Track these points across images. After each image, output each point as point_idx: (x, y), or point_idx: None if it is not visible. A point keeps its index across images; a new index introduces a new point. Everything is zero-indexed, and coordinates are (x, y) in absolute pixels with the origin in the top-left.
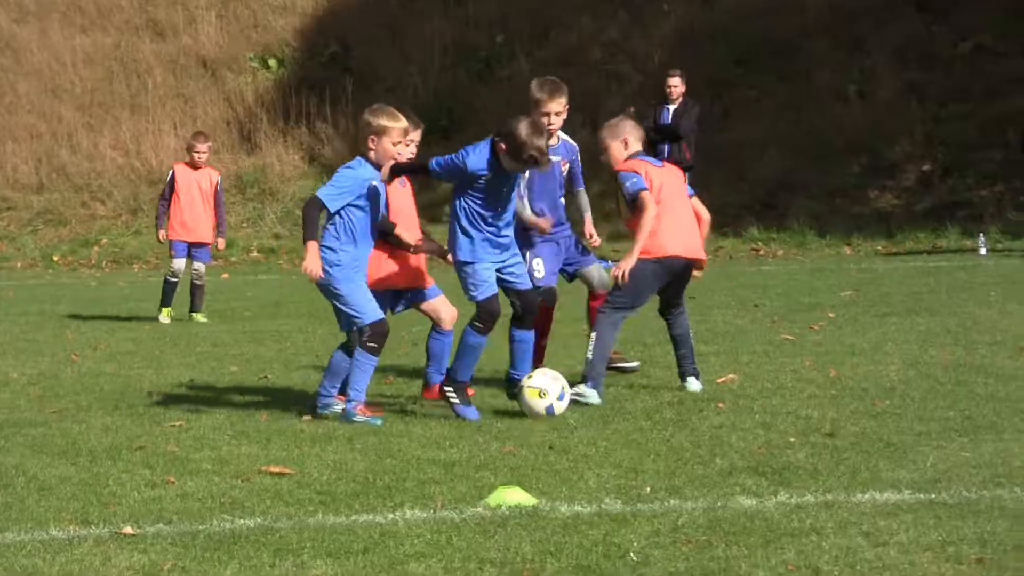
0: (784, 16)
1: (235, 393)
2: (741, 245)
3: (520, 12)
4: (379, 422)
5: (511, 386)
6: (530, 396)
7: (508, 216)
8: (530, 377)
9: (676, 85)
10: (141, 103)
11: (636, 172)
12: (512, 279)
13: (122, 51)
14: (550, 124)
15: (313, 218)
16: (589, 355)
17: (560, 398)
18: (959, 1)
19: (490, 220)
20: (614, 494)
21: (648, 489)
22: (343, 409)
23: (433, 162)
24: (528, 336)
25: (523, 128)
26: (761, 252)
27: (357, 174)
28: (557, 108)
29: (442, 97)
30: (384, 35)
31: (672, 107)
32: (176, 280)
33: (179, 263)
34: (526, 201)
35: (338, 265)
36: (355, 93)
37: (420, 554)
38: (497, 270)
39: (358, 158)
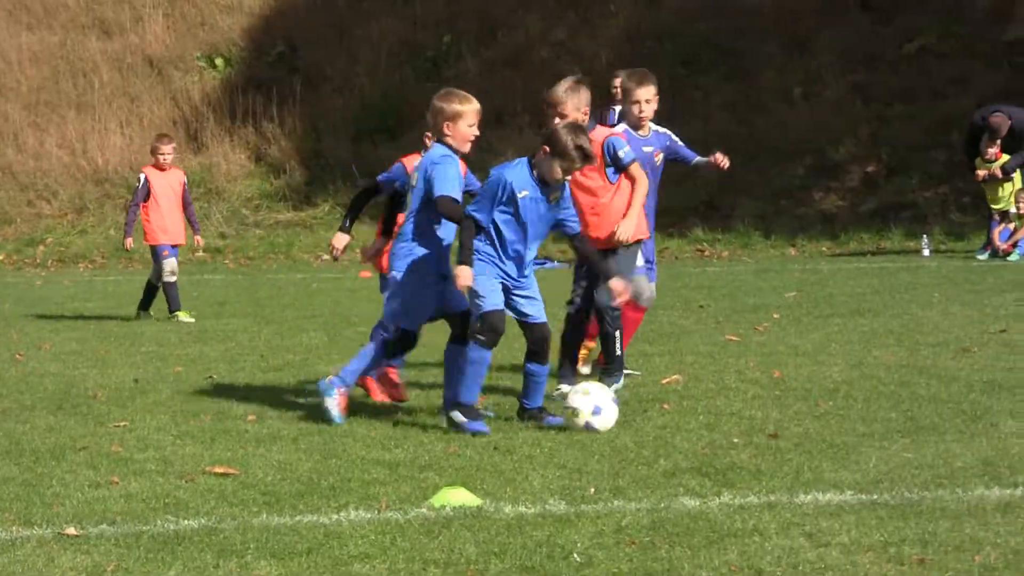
0: (730, 17)
1: (180, 393)
2: (686, 246)
3: (467, 12)
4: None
5: (522, 412)
6: (566, 418)
7: (533, 248)
8: (565, 397)
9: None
10: (87, 102)
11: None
12: (523, 309)
13: (68, 50)
14: (640, 113)
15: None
16: (619, 351)
17: (596, 412)
18: (903, 3)
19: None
20: (558, 495)
21: (592, 490)
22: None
23: (471, 209)
24: (542, 371)
25: (563, 128)
26: (706, 253)
27: (457, 169)
28: (647, 96)
29: (389, 97)
30: (331, 35)
31: (618, 108)
32: (175, 278)
33: (172, 262)
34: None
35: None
36: (302, 93)
37: (364, 555)
38: (508, 291)
39: (443, 151)
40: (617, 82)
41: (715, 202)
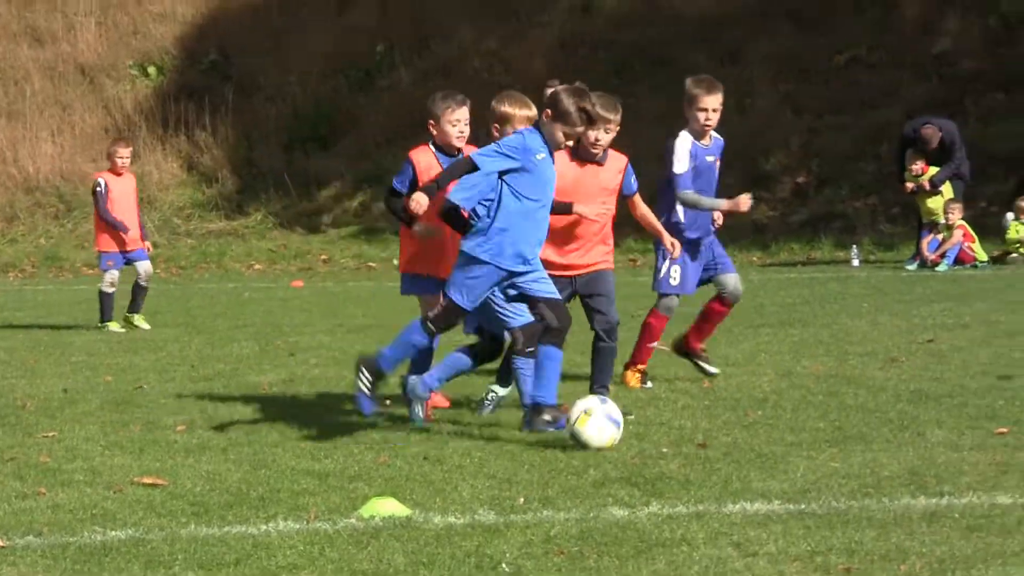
0: (662, 26)
1: (109, 403)
2: (619, 256)
3: (401, 21)
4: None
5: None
6: (584, 427)
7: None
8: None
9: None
10: (18, 110)
11: None
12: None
13: None
14: (707, 120)
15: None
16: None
17: (603, 401)
18: (833, 14)
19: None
20: (487, 505)
21: (521, 500)
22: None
23: (475, 155)
24: (558, 354)
25: (564, 91)
26: (638, 263)
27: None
28: (714, 105)
29: (322, 106)
30: (265, 43)
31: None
32: (114, 290)
33: (117, 273)
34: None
35: None
36: (235, 101)
37: (293, 565)
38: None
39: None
40: (549, 91)
41: None
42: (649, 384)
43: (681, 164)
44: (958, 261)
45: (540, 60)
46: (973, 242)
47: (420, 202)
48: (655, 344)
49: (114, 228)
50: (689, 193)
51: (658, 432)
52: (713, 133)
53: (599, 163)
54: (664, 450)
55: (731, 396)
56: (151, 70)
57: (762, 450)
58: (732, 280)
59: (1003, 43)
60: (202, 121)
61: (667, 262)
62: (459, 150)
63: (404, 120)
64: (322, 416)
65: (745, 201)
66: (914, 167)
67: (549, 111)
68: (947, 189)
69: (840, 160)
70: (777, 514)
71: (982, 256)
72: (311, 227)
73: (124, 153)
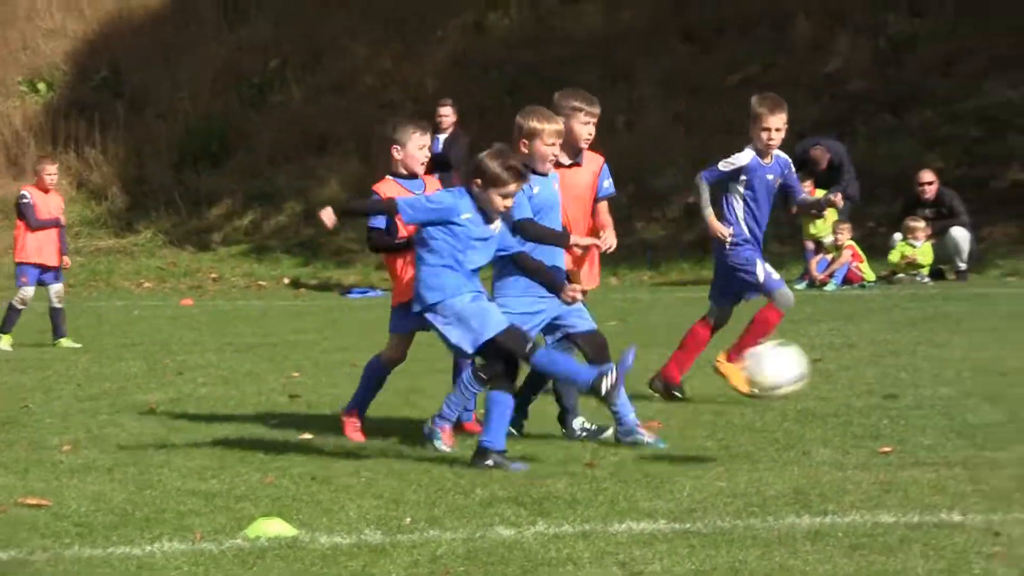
0: (554, 46)
1: None
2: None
3: (293, 38)
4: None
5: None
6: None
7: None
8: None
9: (447, 115)
10: None
11: None
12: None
13: None
14: (770, 140)
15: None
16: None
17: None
18: (726, 34)
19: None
20: (374, 525)
21: (408, 520)
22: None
23: (402, 201)
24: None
25: (487, 157)
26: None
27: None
28: (778, 124)
29: (213, 122)
30: (156, 59)
31: (443, 136)
32: (24, 308)
33: (31, 291)
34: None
35: None
36: (125, 118)
37: None
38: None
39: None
40: (442, 111)
41: None
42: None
43: (725, 163)
44: (846, 281)
45: (433, 79)
46: (861, 262)
47: (328, 216)
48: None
49: (45, 227)
50: (704, 185)
51: (546, 451)
52: (777, 152)
53: (578, 164)
54: (552, 469)
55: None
56: (41, 86)
57: (649, 470)
58: (787, 294)
59: (892, 64)
60: (92, 138)
61: (758, 264)
62: (418, 176)
63: (296, 137)
64: (209, 436)
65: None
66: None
67: (479, 180)
68: (831, 211)
69: None
70: (663, 533)
71: (870, 276)
72: (201, 245)
73: (52, 170)
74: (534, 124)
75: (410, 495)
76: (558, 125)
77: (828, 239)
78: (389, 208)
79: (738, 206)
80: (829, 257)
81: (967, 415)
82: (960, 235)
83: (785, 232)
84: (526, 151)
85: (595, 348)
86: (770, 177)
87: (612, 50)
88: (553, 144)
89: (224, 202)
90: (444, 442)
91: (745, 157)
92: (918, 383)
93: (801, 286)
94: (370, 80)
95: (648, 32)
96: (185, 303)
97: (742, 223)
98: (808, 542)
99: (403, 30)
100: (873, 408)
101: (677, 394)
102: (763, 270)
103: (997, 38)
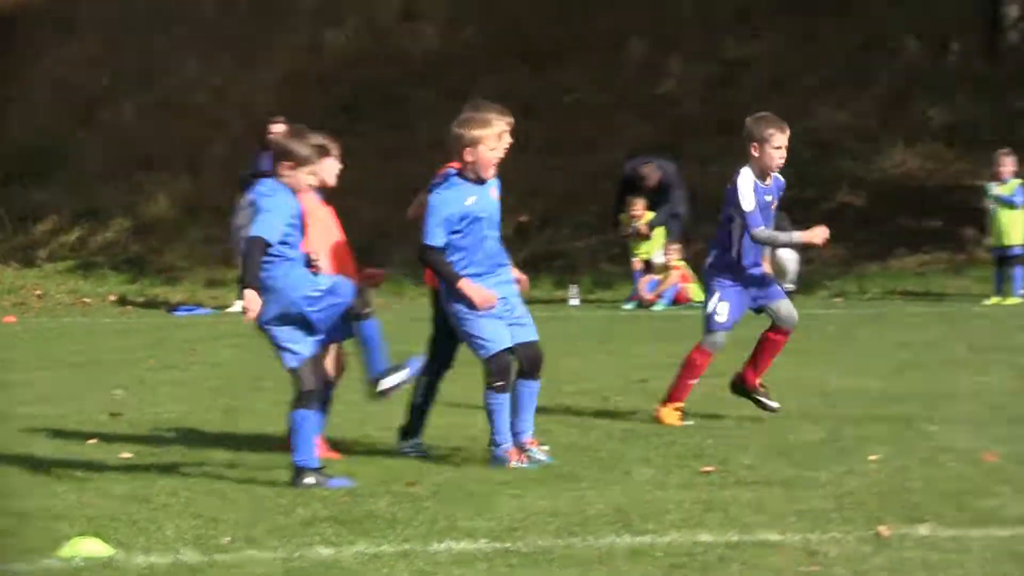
0: (390, 63)
1: None
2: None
3: (125, 53)
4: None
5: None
6: None
7: None
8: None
9: (278, 132)
10: None
11: None
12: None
13: None
14: (782, 159)
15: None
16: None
17: None
18: (561, 54)
19: None
20: (192, 544)
21: (227, 539)
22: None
23: (255, 230)
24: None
25: (284, 137)
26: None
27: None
28: (785, 143)
29: (43, 138)
30: None
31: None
32: None
33: None
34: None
35: None
36: None
37: None
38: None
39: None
40: (274, 128)
41: (369, 248)
42: (690, 422)
43: (748, 202)
44: (675, 301)
45: (266, 96)
46: (690, 283)
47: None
48: (693, 382)
49: None
50: (763, 230)
51: (369, 470)
52: (774, 173)
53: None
54: (374, 488)
55: (442, 435)
56: None
57: (471, 488)
58: (784, 306)
59: (724, 86)
60: None
61: (715, 298)
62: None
63: (126, 154)
64: (27, 454)
65: (820, 233)
66: (635, 211)
67: (284, 162)
68: (659, 233)
69: (562, 200)
70: (483, 552)
71: (699, 296)
72: (26, 261)
73: None
74: (476, 132)
75: (230, 514)
76: (498, 128)
77: (658, 259)
78: (253, 244)
79: (736, 229)
80: (658, 277)
81: (788, 435)
82: (787, 256)
83: (617, 253)
84: (471, 159)
85: (529, 361)
86: (768, 198)
87: (447, 68)
88: (495, 149)
89: (51, 218)
90: (519, 460)
91: (747, 179)
92: (741, 403)
93: (630, 306)
94: (202, 97)
95: (484, 52)
96: (8, 320)
97: (736, 247)
98: (628, 561)
99: (236, 47)
100: (696, 428)
101: (762, 400)
102: (716, 305)
103: (825, 61)
